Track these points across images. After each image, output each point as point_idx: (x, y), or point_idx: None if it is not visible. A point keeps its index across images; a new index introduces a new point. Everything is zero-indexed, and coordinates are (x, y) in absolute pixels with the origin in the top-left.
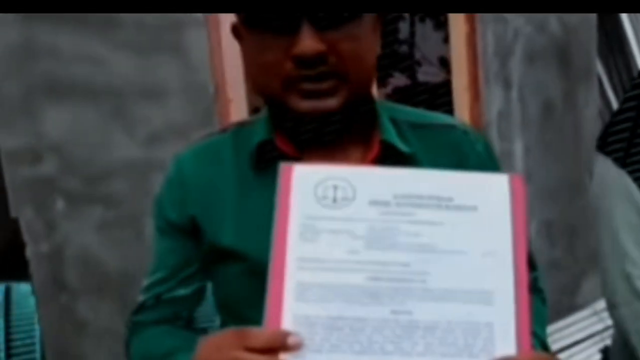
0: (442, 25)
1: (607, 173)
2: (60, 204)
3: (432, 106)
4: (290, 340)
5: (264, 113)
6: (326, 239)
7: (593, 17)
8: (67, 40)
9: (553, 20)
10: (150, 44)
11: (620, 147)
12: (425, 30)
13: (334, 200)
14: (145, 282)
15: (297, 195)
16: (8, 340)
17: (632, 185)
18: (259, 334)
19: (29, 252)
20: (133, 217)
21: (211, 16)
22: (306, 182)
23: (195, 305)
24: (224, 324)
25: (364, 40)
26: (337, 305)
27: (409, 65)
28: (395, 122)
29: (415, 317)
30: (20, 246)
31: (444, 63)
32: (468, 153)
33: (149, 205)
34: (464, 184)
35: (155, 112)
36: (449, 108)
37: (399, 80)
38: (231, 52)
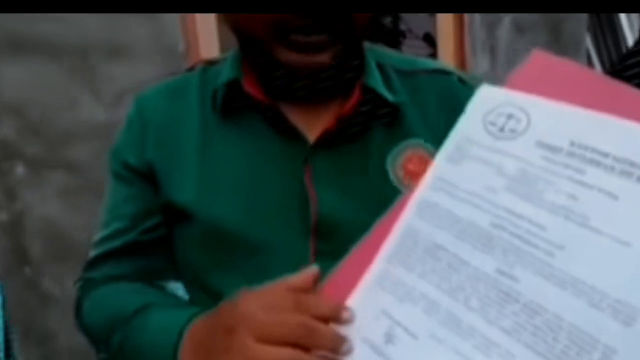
0: None
1: None
2: (20, 170)
3: None
4: (345, 315)
5: (233, 51)
6: (471, 166)
7: None
8: None
9: None
10: None
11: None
12: None
13: (501, 129)
14: (97, 235)
15: (469, 114)
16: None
17: None
18: (319, 303)
19: None
20: (98, 184)
21: None
22: (482, 103)
23: (161, 263)
24: (189, 293)
25: None
26: (447, 236)
27: (394, 37)
28: (382, 67)
29: (520, 288)
30: None
31: (429, 39)
32: (464, 103)
33: None
34: None
35: (122, 71)
36: None
37: None
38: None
